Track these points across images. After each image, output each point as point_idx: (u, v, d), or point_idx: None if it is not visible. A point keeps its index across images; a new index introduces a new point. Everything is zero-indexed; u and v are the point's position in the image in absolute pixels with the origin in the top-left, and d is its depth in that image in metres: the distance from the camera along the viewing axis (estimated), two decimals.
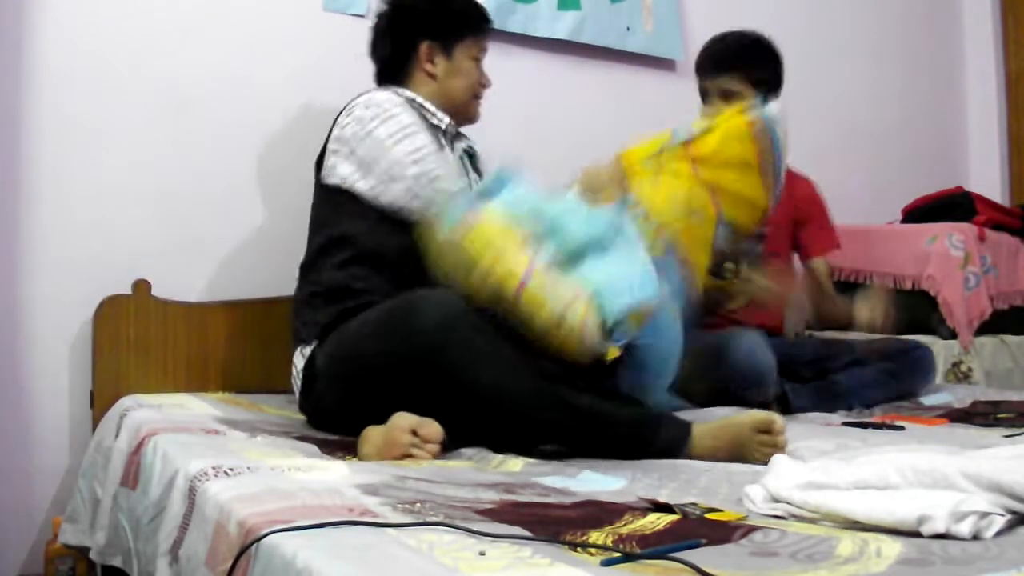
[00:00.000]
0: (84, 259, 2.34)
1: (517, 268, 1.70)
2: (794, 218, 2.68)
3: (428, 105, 2.15)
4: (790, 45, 2.69)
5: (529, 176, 1.90)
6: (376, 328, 1.83)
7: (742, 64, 2.60)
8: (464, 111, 2.23)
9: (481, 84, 2.24)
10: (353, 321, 1.91)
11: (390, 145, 2.00)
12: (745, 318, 2.51)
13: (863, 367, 2.45)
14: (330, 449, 1.81)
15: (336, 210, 2.06)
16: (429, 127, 2.11)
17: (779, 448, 1.70)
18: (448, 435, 1.71)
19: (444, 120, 2.16)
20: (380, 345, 1.79)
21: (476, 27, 2.21)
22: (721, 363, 2.29)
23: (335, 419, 1.93)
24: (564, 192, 1.97)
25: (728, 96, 2.61)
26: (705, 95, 2.66)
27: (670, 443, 1.75)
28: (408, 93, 2.15)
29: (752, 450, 1.72)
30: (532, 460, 1.72)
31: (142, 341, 2.34)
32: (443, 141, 2.14)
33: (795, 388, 2.38)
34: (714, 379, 2.27)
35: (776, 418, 1.74)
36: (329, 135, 2.10)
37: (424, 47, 2.16)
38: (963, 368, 2.96)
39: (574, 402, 1.75)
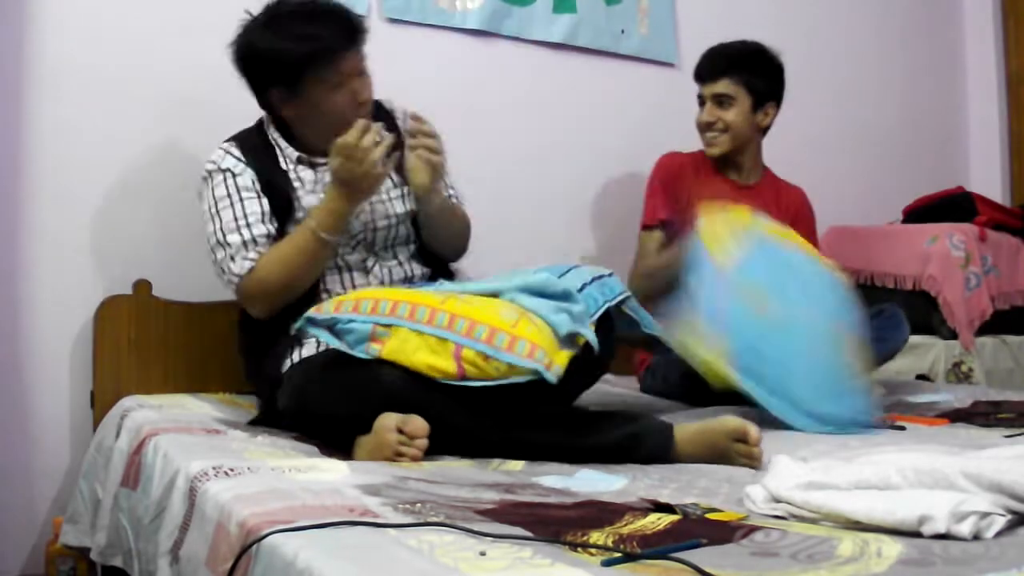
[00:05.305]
0: (84, 259, 2.34)
1: (444, 354, 1.71)
2: (790, 223, 2.68)
3: (281, 141, 2.12)
4: (789, 46, 2.69)
5: None
6: (335, 390, 1.80)
7: (736, 69, 2.59)
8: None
9: (357, 103, 2.02)
10: (309, 381, 1.86)
11: (206, 220, 2.06)
12: None
13: None
14: (330, 450, 1.81)
15: None
16: (272, 168, 2.07)
17: (755, 458, 1.69)
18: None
19: (293, 155, 2.10)
20: (347, 407, 1.77)
21: (322, 59, 1.97)
22: None
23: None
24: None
25: (721, 101, 2.61)
26: (702, 102, 2.66)
27: (649, 459, 1.74)
28: (272, 132, 2.13)
29: (731, 457, 1.72)
30: (532, 460, 1.72)
31: (142, 341, 2.34)
32: (295, 176, 2.08)
33: None
34: None
35: (751, 428, 1.72)
36: None
37: (273, 93, 2.05)
38: (964, 368, 2.96)
39: (546, 440, 1.75)
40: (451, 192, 2.26)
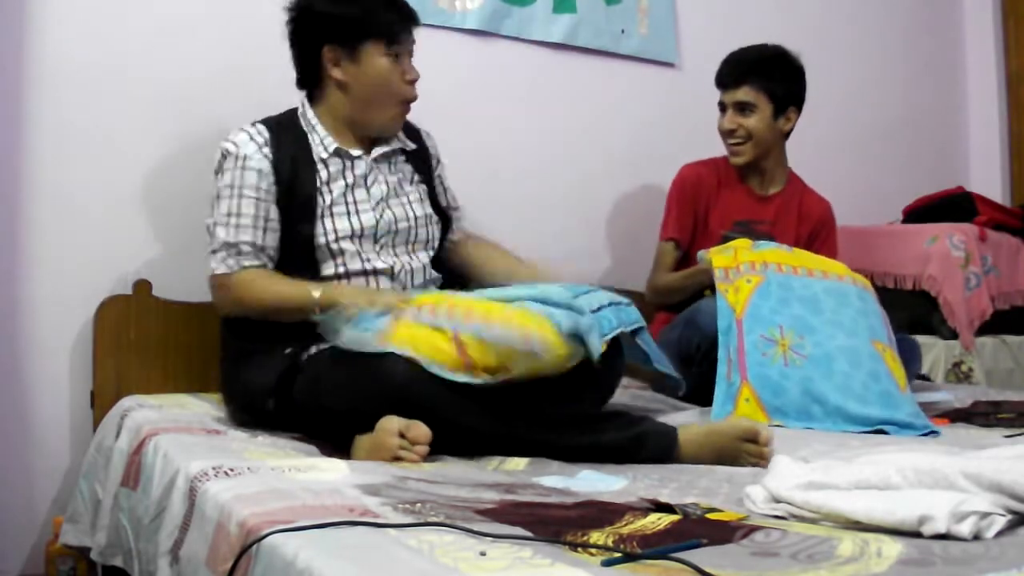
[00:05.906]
0: (85, 259, 2.34)
1: (445, 341, 1.72)
2: (809, 235, 2.69)
3: (319, 127, 2.08)
4: (789, 46, 2.69)
5: None
6: (342, 384, 1.80)
7: (756, 76, 2.60)
8: (384, 120, 2.12)
9: (406, 82, 2.09)
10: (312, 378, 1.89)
11: (215, 199, 2.05)
12: None
13: None
14: (330, 450, 1.81)
15: None
16: (301, 162, 2.05)
17: (765, 458, 1.69)
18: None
19: (331, 145, 2.08)
20: (352, 402, 1.78)
21: (384, 29, 2.06)
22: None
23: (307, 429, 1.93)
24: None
25: (742, 108, 2.61)
26: (723, 108, 2.66)
27: (652, 460, 1.75)
28: (308, 113, 2.10)
29: (738, 458, 1.72)
30: (533, 460, 1.72)
31: (143, 341, 2.34)
32: (324, 171, 2.06)
33: None
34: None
35: (761, 429, 1.74)
36: None
37: (327, 52, 2.06)
38: (964, 368, 2.96)
39: (550, 439, 1.75)
40: (455, 207, 2.31)
